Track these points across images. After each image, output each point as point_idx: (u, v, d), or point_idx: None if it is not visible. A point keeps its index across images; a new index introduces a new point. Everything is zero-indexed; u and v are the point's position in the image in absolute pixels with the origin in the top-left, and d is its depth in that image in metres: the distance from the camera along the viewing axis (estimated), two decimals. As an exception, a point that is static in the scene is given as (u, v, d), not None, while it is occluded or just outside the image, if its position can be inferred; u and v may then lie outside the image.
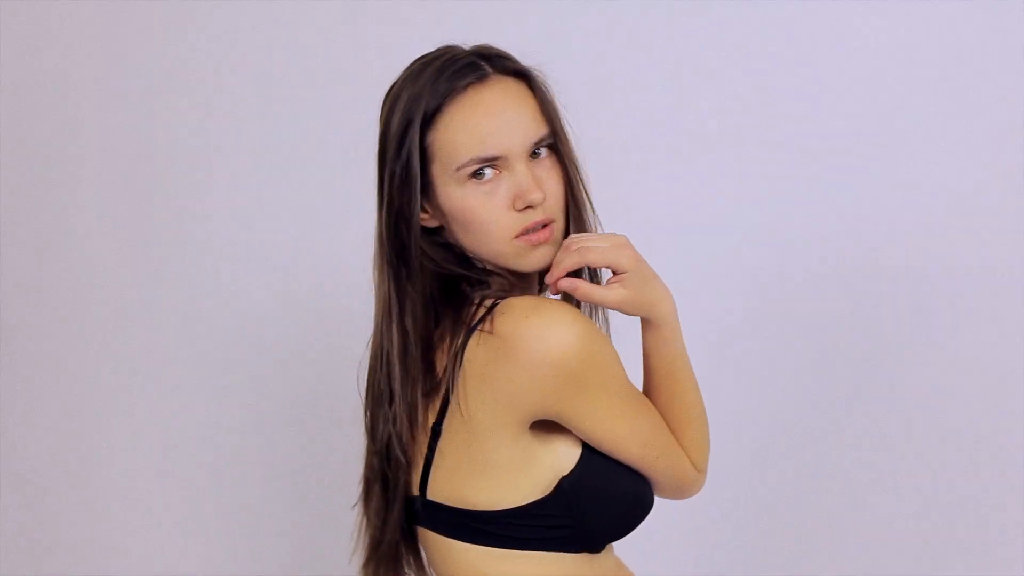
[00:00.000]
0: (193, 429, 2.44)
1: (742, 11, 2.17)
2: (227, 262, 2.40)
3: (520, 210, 1.28)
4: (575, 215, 1.33)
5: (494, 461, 1.25)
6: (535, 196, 1.27)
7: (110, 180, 2.45)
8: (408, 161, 1.29)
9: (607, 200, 2.16)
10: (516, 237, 1.28)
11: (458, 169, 1.28)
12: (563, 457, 1.27)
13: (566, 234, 1.32)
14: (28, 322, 2.51)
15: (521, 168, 1.28)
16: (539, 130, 1.30)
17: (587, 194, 1.35)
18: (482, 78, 1.29)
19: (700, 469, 1.37)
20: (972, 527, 2.14)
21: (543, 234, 1.29)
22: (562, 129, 1.33)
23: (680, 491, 1.38)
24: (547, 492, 1.26)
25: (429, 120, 1.29)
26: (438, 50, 1.33)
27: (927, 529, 2.16)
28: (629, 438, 1.28)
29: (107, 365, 2.47)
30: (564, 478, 1.26)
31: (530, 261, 1.30)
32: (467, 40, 1.36)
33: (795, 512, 2.21)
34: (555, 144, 1.32)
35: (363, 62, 2.26)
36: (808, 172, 2.16)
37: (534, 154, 1.30)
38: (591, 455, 1.28)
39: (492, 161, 1.27)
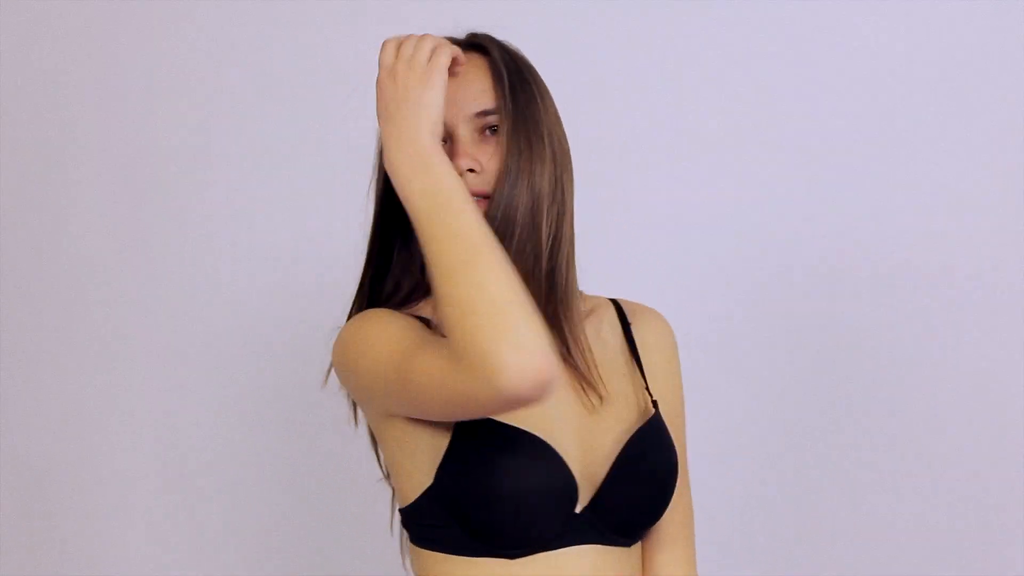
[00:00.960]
0: (193, 429, 2.43)
1: (742, 11, 2.17)
2: (227, 262, 2.40)
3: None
4: (507, 200, 1.21)
5: (389, 456, 1.26)
6: (460, 162, 1.21)
7: (109, 180, 2.45)
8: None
9: (607, 200, 2.18)
10: None
11: None
12: (437, 449, 1.20)
13: (503, 224, 1.20)
14: (28, 322, 2.51)
15: (459, 135, 1.24)
16: (481, 103, 1.24)
17: (535, 185, 1.22)
18: None
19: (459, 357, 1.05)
20: (972, 527, 2.14)
21: None
22: (518, 111, 1.23)
23: (478, 383, 1.04)
24: (428, 486, 1.21)
25: None
26: None
27: (927, 529, 2.15)
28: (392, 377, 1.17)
29: (107, 365, 2.47)
30: (437, 470, 1.20)
31: None
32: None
33: (795, 512, 2.20)
34: (502, 121, 1.23)
35: (363, 62, 2.24)
36: (808, 172, 2.16)
37: (492, 130, 1.25)
38: (460, 443, 1.18)
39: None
